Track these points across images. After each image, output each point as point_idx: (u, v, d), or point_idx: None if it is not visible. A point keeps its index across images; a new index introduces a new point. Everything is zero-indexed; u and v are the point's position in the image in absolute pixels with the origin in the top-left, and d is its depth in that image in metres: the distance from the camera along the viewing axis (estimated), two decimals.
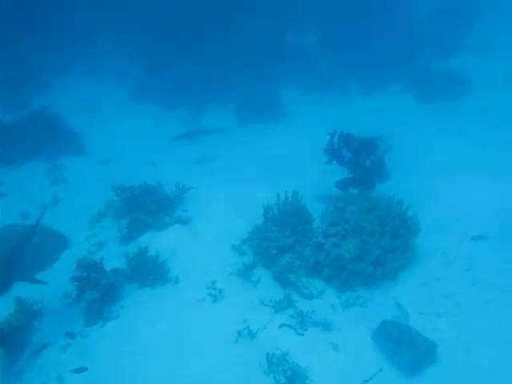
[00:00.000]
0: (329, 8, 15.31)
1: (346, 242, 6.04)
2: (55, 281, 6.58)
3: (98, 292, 6.01)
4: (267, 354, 5.05)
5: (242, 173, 9.29)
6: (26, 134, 10.97)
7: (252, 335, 5.43)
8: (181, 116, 13.42)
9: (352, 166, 7.29)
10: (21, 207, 8.65)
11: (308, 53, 15.52)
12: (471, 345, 4.92)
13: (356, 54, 14.59)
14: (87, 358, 5.28)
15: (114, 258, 6.78)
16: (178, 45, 14.81)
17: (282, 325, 5.56)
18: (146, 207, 7.76)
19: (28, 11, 15.41)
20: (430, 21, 15.58)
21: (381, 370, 4.82)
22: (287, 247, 6.40)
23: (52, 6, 15.86)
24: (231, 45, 15.05)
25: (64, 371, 5.12)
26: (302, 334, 5.40)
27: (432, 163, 8.84)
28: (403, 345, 4.78)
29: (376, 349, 5.05)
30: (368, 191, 7.06)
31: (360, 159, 7.10)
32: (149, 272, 6.46)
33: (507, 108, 10.96)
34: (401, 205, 6.27)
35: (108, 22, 16.46)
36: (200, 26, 14.73)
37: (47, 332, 5.69)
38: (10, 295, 5.86)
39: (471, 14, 16.13)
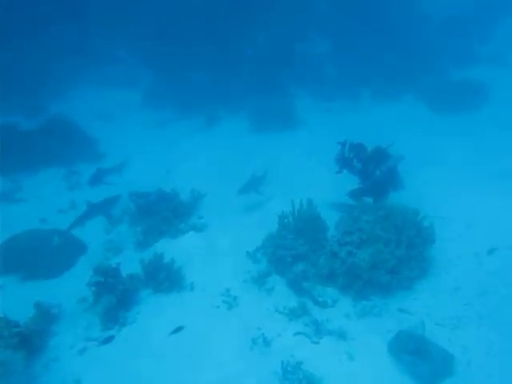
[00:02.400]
0: (341, 17, 15.43)
1: (361, 250, 6.04)
2: (73, 285, 6.71)
3: (115, 297, 6.08)
4: (282, 362, 5.04)
5: None
6: (43, 140, 11.21)
7: (267, 343, 5.44)
8: (194, 123, 13.55)
9: (362, 176, 7.32)
10: (39, 212, 8.82)
11: (320, 61, 15.63)
12: (489, 356, 4.88)
13: (368, 62, 14.64)
14: (104, 363, 5.34)
15: (129, 264, 6.85)
16: (191, 53, 14.98)
17: (297, 333, 5.56)
18: (161, 214, 7.85)
19: (43, 21, 15.76)
20: (446, 29, 15.50)
21: None
22: (302, 255, 6.42)
23: (67, 15, 16.22)
24: (243, 53, 15.23)
25: (81, 374, 5.19)
26: (317, 343, 5.39)
27: (445, 174, 8.84)
28: (420, 356, 4.75)
29: (392, 360, 5.02)
30: (382, 200, 7.07)
31: (370, 170, 7.14)
32: (164, 278, 6.51)
33: None
34: (416, 214, 6.26)
35: (121, 31, 16.74)
36: (212, 34, 14.90)
37: (65, 336, 5.77)
38: (31, 299, 6.01)
39: (488, 24, 16.01)
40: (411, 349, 4.88)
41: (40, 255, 7.22)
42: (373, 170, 7.10)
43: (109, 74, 16.48)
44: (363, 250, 6.01)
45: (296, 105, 13.61)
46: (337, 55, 15.60)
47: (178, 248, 7.28)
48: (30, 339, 5.41)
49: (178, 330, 5.56)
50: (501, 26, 16.25)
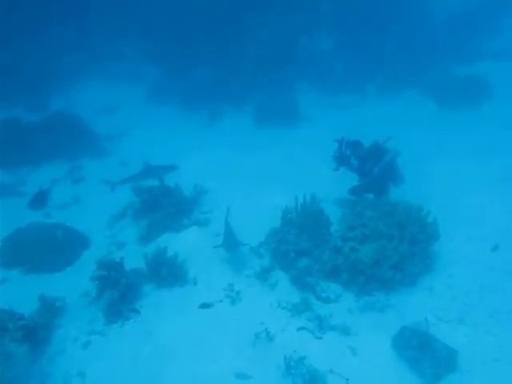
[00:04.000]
0: (346, 12, 15.30)
1: (365, 246, 6.04)
2: (76, 279, 6.74)
3: (118, 291, 6.10)
4: (285, 357, 5.06)
5: (259, 176, 9.34)
6: (46, 134, 11.20)
7: (270, 338, 5.44)
8: (199, 118, 13.53)
9: (360, 173, 7.33)
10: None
11: (324, 57, 15.53)
12: (492, 353, 4.87)
13: (373, 57, 14.55)
14: (108, 356, 5.37)
15: (133, 259, 6.84)
16: (195, 48, 14.89)
17: (300, 328, 5.57)
18: (164, 209, 7.86)
19: (47, 17, 15.71)
20: (451, 25, 15.35)
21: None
22: (305, 251, 6.42)
23: (71, 9, 16.17)
24: (247, 49, 15.16)
25: (85, 367, 5.22)
26: (320, 338, 5.41)
27: (449, 169, 8.81)
28: (423, 352, 4.75)
29: (395, 355, 5.03)
30: (382, 196, 7.05)
31: (366, 167, 7.14)
32: (167, 273, 6.53)
33: None
34: (420, 210, 6.24)
35: (126, 26, 16.69)
36: (216, 30, 14.81)
37: (69, 329, 5.80)
38: (35, 292, 6.04)
39: (494, 19, 15.86)
40: (415, 345, 4.88)
41: (43, 249, 7.24)
42: (370, 167, 7.11)
43: (113, 69, 16.46)
44: (366, 246, 6.01)
45: (300, 100, 13.55)
46: (341, 51, 15.49)
47: (181, 242, 7.29)
48: (35, 332, 5.44)
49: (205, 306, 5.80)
50: (507, 22, 16.10)
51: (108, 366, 5.25)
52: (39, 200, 7.83)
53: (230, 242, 6.57)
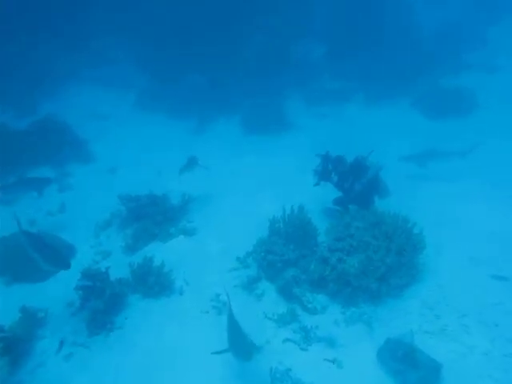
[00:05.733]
0: (336, 23, 15.50)
1: (352, 257, 6.04)
2: (59, 289, 6.62)
3: (102, 302, 6.01)
4: (270, 369, 5.03)
5: (247, 184, 9.35)
6: (34, 140, 11.07)
7: (256, 349, 5.40)
8: (188, 126, 13.51)
9: (340, 189, 7.47)
10: (28, 214, 8.70)
11: (314, 66, 15.67)
12: (476, 365, 4.89)
13: (362, 67, 14.72)
14: (90, 369, 5.27)
15: (118, 268, 6.77)
16: (185, 55, 14.94)
17: (286, 339, 5.54)
18: (151, 217, 7.81)
19: (38, 18, 15.62)
20: (438, 37, 15.66)
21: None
22: (292, 261, 6.41)
23: (61, 13, 16.10)
24: (238, 57, 15.21)
25: (67, 380, 5.12)
26: (306, 350, 5.38)
27: (434, 179, 8.90)
28: (408, 364, 4.75)
29: (380, 367, 5.02)
30: (369, 207, 7.07)
31: (346, 184, 7.27)
32: (153, 283, 6.46)
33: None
34: (406, 221, 6.28)
35: (116, 32, 16.68)
36: (207, 37, 14.87)
37: (51, 341, 5.69)
38: (16, 303, 5.92)
39: (478, 31, 16.24)
40: (400, 356, 4.88)
41: (27, 258, 7.09)
42: (351, 184, 7.19)
43: (104, 74, 16.37)
44: (353, 257, 6.01)
45: (290, 109, 13.65)
46: (331, 61, 15.65)
47: (167, 252, 7.24)
48: (16, 344, 5.33)
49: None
50: (490, 34, 16.50)
51: (90, 378, 5.16)
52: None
53: (240, 344, 4.77)
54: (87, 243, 7.88)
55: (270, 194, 8.76)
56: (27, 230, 6.01)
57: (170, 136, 12.85)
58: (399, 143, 10.76)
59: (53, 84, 15.74)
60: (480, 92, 12.95)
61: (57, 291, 6.62)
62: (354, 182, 7.12)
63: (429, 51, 14.78)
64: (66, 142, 11.42)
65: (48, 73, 15.80)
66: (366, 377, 4.95)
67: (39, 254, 5.18)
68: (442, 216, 7.54)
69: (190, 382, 5.06)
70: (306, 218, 6.79)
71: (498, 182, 8.52)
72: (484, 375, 4.76)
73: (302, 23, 15.72)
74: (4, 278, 6.98)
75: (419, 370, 4.71)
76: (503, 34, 16.32)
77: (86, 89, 15.78)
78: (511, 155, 9.60)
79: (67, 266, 4.85)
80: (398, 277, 5.99)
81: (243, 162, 10.56)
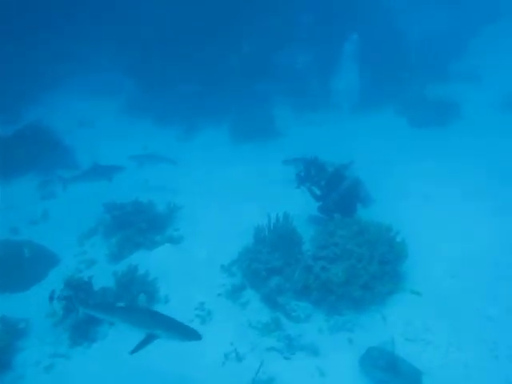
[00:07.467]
0: (324, 30, 15.67)
1: (335, 265, 6.08)
2: (42, 299, 6.50)
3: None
4: (253, 379, 5.02)
5: (233, 192, 9.35)
6: (18, 148, 10.96)
7: (239, 358, 5.40)
8: (175, 133, 13.50)
9: (315, 198, 7.63)
10: (11, 222, 8.59)
11: (301, 73, 15.77)
12: (457, 373, 4.95)
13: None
14: (71, 381, 5.20)
15: (103, 277, 6.72)
16: (173, 63, 14.96)
17: (270, 348, 5.54)
18: (136, 225, 7.76)
19: (24, 27, 15.53)
20: (423, 47, 15.96)
21: None
22: (277, 270, 6.43)
23: (48, 21, 16.02)
24: (226, 64, 15.27)
25: None
26: (289, 358, 5.39)
27: (417, 186, 9.03)
28: (390, 373, 4.79)
29: (363, 376, 5.04)
30: (352, 215, 7.15)
31: (322, 192, 7.48)
32: (138, 291, 6.41)
33: (493, 132, 11.24)
34: (389, 230, 6.36)
35: (103, 38, 16.65)
36: (194, 44, 14.92)
37: (31, 352, 5.60)
38: None
39: (460, 42, 16.61)
40: (382, 365, 4.92)
41: (8, 267, 7.02)
42: (327, 193, 7.37)
43: (91, 82, 16.28)
44: (337, 265, 6.06)
45: (277, 116, 13.69)
46: (318, 68, 15.79)
47: (153, 260, 7.19)
48: None
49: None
50: (472, 45, 16.90)
51: None
52: None
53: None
54: (71, 252, 7.79)
55: (257, 200, 8.77)
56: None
57: (157, 143, 12.80)
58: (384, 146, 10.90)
59: (37, 91, 15.63)
60: (462, 101, 13.22)
61: (39, 301, 6.50)
62: (331, 191, 7.26)
63: (415, 60, 15.05)
64: (51, 149, 11.31)
65: (35, 80, 15.66)
66: None
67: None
68: (427, 223, 7.65)
69: None
70: (291, 226, 6.82)
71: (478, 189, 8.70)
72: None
73: (289, 31, 15.87)
74: None
75: (401, 379, 4.75)
76: (484, 44, 16.74)
77: (71, 95, 15.68)
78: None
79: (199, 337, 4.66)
80: (381, 285, 6.04)
81: (230, 169, 10.57)
